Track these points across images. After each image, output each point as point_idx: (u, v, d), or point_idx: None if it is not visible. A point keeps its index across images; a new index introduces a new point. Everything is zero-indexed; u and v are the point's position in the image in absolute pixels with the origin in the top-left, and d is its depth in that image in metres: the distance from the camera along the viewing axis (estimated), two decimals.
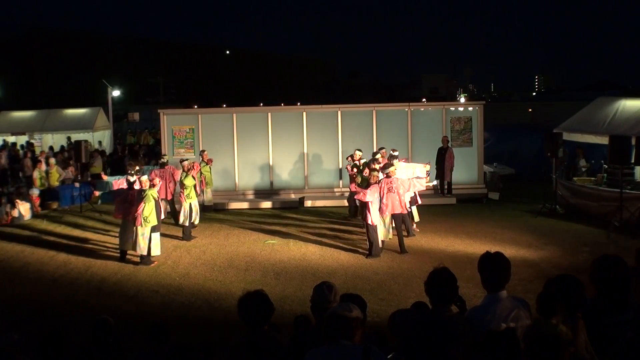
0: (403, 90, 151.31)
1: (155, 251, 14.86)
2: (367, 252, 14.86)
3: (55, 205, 21.98)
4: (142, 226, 14.47)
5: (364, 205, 14.91)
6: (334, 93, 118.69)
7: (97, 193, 23.21)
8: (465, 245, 15.60)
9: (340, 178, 22.28)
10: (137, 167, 17.07)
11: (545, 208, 19.13)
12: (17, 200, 19.97)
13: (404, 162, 17.71)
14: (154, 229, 14.74)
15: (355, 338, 4.47)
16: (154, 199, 14.71)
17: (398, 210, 15.16)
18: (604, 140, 18.42)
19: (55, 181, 23.14)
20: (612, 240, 15.59)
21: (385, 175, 15.27)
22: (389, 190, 15.07)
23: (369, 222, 14.66)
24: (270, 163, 22.55)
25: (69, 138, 31.73)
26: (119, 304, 12.00)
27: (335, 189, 22.44)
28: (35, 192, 21.60)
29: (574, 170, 21.57)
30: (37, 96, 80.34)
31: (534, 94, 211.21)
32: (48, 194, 22.39)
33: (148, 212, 14.50)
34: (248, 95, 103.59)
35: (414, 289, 11.75)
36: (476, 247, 14.88)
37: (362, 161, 18.20)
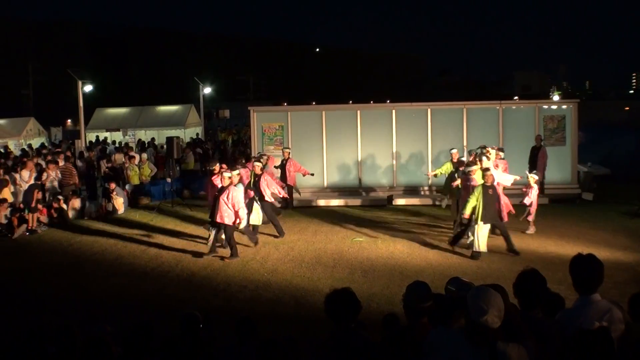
0: (494, 88, 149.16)
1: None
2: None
3: (146, 201, 22.40)
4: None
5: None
6: (424, 91, 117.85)
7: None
8: (557, 246, 15.21)
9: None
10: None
11: None
12: (112, 195, 20.47)
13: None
14: None
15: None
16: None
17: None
18: None
19: (146, 177, 23.60)
20: None
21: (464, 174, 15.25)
22: (465, 188, 14.94)
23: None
24: (359, 161, 22.48)
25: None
26: (208, 298, 12.15)
27: (425, 188, 22.19)
28: (128, 188, 22.22)
29: None
30: (132, 93, 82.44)
31: (631, 92, 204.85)
32: (140, 189, 22.91)
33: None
34: (337, 92, 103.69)
35: None
36: (568, 249, 14.47)
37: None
